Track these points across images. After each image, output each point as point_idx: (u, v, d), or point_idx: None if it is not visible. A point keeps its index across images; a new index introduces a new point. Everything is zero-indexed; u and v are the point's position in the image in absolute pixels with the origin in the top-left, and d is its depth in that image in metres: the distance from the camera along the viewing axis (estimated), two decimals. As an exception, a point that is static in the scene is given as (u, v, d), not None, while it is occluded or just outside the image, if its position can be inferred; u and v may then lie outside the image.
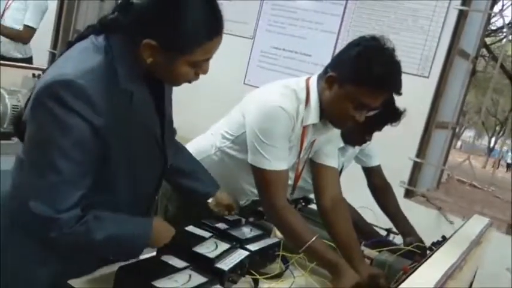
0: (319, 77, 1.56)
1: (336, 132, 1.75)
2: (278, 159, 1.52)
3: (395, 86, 1.45)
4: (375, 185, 2.23)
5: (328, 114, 1.56)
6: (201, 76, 1.47)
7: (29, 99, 1.16)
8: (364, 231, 1.96)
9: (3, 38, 3.76)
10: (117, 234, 1.13)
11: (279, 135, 1.51)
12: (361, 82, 1.43)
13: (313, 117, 1.55)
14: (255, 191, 1.65)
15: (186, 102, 1.66)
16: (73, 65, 1.05)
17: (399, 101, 1.96)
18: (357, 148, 2.13)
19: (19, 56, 3.84)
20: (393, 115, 1.90)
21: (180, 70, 1.11)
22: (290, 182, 1.71)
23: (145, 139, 1.18)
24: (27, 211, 1.04)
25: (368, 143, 2.08)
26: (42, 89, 1.03)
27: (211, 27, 1.10)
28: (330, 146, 1.75)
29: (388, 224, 2.11)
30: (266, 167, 1.51)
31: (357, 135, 1.95)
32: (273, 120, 1.50)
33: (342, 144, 1.96)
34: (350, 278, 1.42)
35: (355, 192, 2.18)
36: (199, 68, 1.14)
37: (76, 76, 1.02)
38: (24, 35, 3.85)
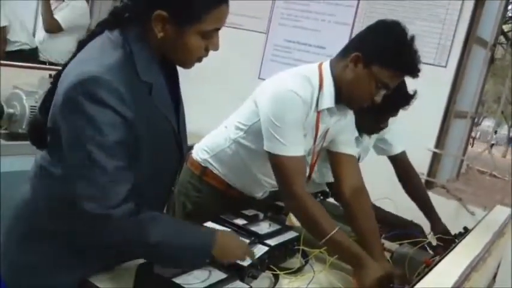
0: (336, 61, 1.58)
1: (350, 121, 1.75)
2: (294, 144, 1.51)
3: (418, 72, 1.53)
4: (399, 173, 2.19)
5: (347, 94, 1.56)
6: (216, 72, 1.47)
7: (44, 103, 1.17)
8: (384, 221, 1.92)
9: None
10: (174, 242, 1.12)
11: (294, 120, 1.51)
12: (389, 64, 1.49)
13: (328, 101, 1.56)
14: (271, 181, 1.64)
15: (201, 98, 1.66)
16: (95, 62, 1.06)
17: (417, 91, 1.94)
18: (373, 138, 2.11)
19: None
20: (405, 99, 1.88)
21: (192, 42, 1.11)
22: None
23: (164, 131, 1.18)
24: (79, 211, 1.05)
25: (385, 130, 2.07)
26: (70, 89, 1.03)
27: None
28: (346, 135, 1.73)
29: (409, 215, 2.09)
30: (283, 152, 1.50)
31: (372, 123, 1.93)
32: (287, 105, 1.50)
33: (356, 134, 1.94)
34: (374, 271, 1.40)
35: (374, 183, 2.17)
36: (209, 40, 1.14)
37: (102, 72, 1.03)
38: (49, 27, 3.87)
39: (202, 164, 1.79)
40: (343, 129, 1.71)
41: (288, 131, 1.49)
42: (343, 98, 1.58)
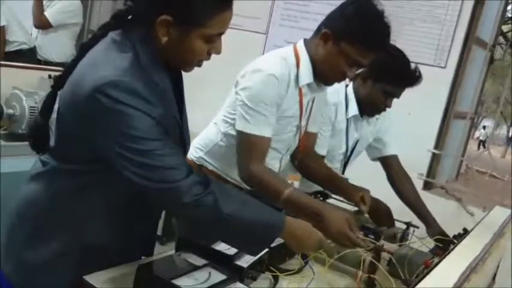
0: (310, 38, 1.64)
1: (325, 100, 1.87)
2: (262, 125, 1.55)
3: (387, 46, 1.58)
4: (389, 176, 2.19)
5: (321, 71, 1.62)
6: (216, 72, 1.46)
7: (45, 105, 1.17)
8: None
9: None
10: (244, 216, 1.13)
11: (266, 101, 1.55)
12: (357, 41, 1.51)
13: (307, 76, 1.62)
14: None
15: (201, 99, 1.67)
16: (107, 66, 1.06)
17: (416, 91, 1.95)
18: (371, 128, 2.13)
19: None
20: (410, 78, 1.91)
21: (195, 46, 1.12)
22: (291, 144, 1.77)
23: (173, 129, 1.19)
24: (154, 193, 1.09)
25: (384, 130, 2.14)
26: (92, 94, 1.04)
27: None
28: (318, 114, 1.85)
29: (408, 217, 2.09)
30: (248, 130, 1.55)
31: (376, 103, 1.98)
32: (260, 86, 1.55)
33: (357, 112, 2.03)
34: (335, 220, 1.38)
35: (373, 185, 2.17)
36: (212, 45, 1.15)
37: (118, 75, 1.04)
38: (37, 23, 3.94)
39: (197, 162, 1.80)
40: (318, 108, 1.81)
41: (258, 112, 1.54)
42: (318, 74, 1.63)
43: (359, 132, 2.11)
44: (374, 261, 1.43)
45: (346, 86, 2.09)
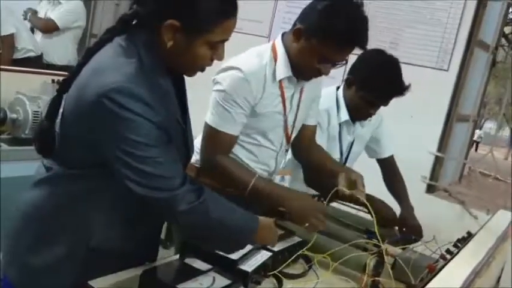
0: (288, 33, 1.63)
1: (318, 91, 1.83)
2: (228, 123, 1.57)
3: (360, 42, 1.51)
4: (384, 172, 2.27)
5: (296, 67, 1.61)
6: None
7: (51, 109, 1.18)
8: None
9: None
10: (227, 220, 1.18)
11: (235, 100, 1.55)
12: (325, 37, 1.48)
13: (284, 70, 1.61)
14: (262, 166, 1.73)
15: (204, 103, 1.67)
16: (114, 72, 1.07)
17: (419, 94, 1.95)
18: (366, 127, 2.14)
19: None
20: (398, 89, 1.90)
21: (199, 51, 1.14)
22: (282, 141, 1.74)
23: (174, 130, 1.19)
24: (151, 201, 1.10)
25: (380, 131, 2.15)
26: (95, 99, 1.05)
27: (229, 5, 1.14)
28: (313, 106, 1.82)
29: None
30: (214, 125, 1.58)
31: (362, 109, 1.97)
32: (230, 85, 1.55)
33: (347, 117, 2.02)
34: (301, 201, 1.50)
35: (373, 184, 2.17)
36: (215, 51, 1.17)
37: (124, 81, 1.05)
38: (44, 27, 3.99)
39: (196, 165, 1.79)
40: (312, 101, 1.79)
41: (226, 110, 1.56)
42: (294, 70, 1.62)
43: (352, 135, 2.10)
44: (385, 260, 1.43)
45: (337, 88, 2.08)
